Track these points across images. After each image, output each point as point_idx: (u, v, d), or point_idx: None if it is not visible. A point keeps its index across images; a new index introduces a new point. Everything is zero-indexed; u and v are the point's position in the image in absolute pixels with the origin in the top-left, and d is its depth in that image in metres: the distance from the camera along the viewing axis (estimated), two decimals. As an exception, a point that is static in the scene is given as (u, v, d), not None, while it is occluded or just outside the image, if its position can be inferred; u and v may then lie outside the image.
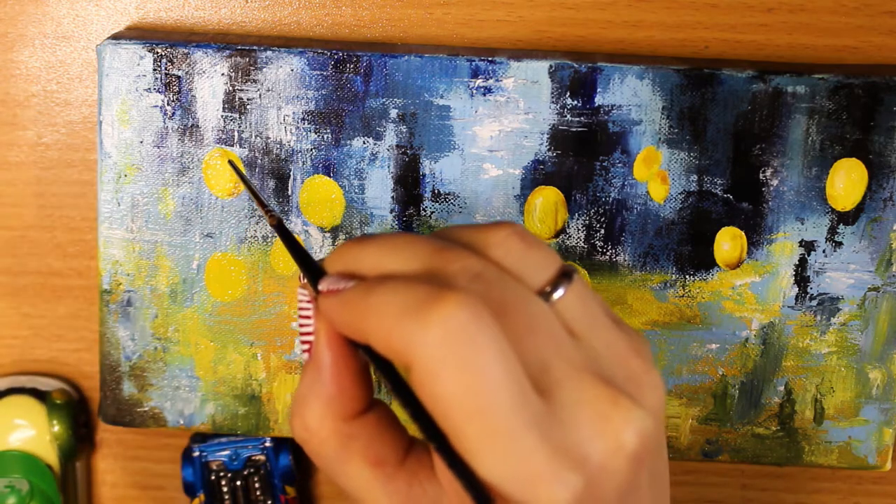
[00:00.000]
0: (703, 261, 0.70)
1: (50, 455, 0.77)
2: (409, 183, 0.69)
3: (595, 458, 0.46)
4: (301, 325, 0.52)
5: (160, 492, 0.82)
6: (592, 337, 0.48)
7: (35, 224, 0.77)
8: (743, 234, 0.70)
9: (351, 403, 0.50)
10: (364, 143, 0.69)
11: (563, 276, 0.49)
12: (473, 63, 0.68)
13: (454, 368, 0.44)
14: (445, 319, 0.44)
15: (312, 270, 0.53)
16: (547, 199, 0.70)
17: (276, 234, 0.69)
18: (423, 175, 0.69)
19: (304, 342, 0.52)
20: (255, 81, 0.68)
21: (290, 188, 0.70)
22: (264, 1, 0.73)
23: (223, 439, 0.76)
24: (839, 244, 0.70)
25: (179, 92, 0.68)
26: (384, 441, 0.51)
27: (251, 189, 0.58)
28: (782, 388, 0.72)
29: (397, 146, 0.69)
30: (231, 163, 0.62)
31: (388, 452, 0.51)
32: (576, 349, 0.47)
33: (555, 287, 0.48)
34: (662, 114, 0.68)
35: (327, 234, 0.70)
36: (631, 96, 0.68)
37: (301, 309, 0.52)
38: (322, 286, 0.51)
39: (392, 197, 0.70)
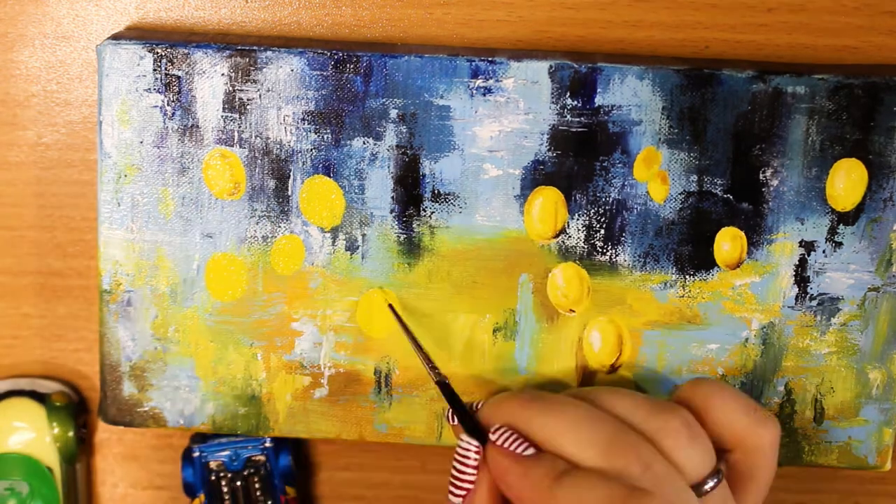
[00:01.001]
0: (703, 261, 0.70)
1: (50, 457, 0.77)
2: (409, 183, 0.70)
3: None
4: (457, 471, 0.56)
5: (161, 492, 0.82)
6: None
7: (35, 224, 0.77)
8: (743, 234, 0.70)
9: None
10: (364, 143, 0.69)
11: (715, 473, 0.56)
12: (473, 63, 0.68)
13: None
14: None
15: (473, 422, 0.59)
16: (547, 199, 0.70)
17: (269, 240, 0.70)
18: (423, 175, 0.69)
19: (456, 486, 0.57)
20: (255, 82, 0.68)
21: (290, 188, 0.70)
22: (264, 1, 0.73)
23: (223, 439, 0.76)
24: (839, 244, 0.70)
25: (179, 92, 0.69)
26: None
27: (416, 344, 0.63)
28: (782, 388, 0.72)
29: (397, 146, 0.69)
30: (391, 308, 0.68)
31: None
32: None
33: (705, 483, 0.56)
34: (662, 114, 0.68)
35: (327, 234, 0.70)
36: (631, 96, 0.68)
37: (461, 456, 0.57)
38: (495, 437, 0.56)
39: (392, 197, 0.70)
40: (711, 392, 0.62)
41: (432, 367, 0.65)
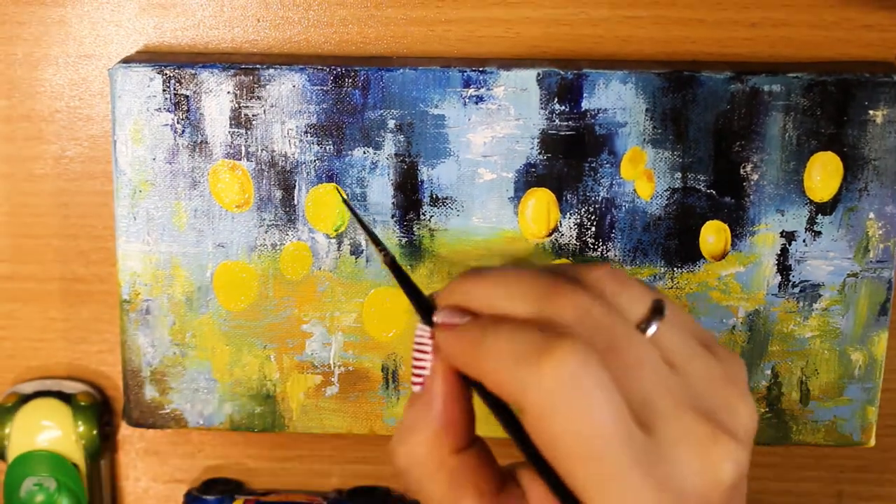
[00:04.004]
0: (689, 254, 0.72)
1: (76, 454, 0.79)
2: (408, 189, 0.71)
3: (695, 491, 0.47)
4: (416, 360, 0.54)
5: (180, 485, 0.84)
6: (688, 367, 0.49)
7: (59, 233, 0.79)
8: (727, 226, 0.72)
9: (459, 437, 0.52)
10: (364, 152, 0.71)
11: (657, 309, 0.50)
12: (465, 73, 0.70)
13: (565, 415, 0.46)
14: (556, 367, 0.46)
15: (425, 306, 0.55)
16: (539, 200, 0.71)
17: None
18: (422, 181, 0.71)
19: (416, 374, 0.54)
20: (259, 98, 0.70)
21: (295, 198, 0.71)
22: (275, 20, 0.74)
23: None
24: (818, 234, 0.72)
25: (188, 110, 0.70)
26: (486, 475, 0.52)
27: (363, 226, 0.61)
28: (769, 371, 0.74)
29: (396, 155, 0.71)
30: (343, 199, 0.68)
31: (489, 486, 0.52)
32: (675, 382, 0.49)
33: (650, 320, 0.50)
34: (646, 115, 0.70)
35: (332, 241, 0.72)
36: (615, 100, 0.70)
37: (418, 343, 0.54)
38: (437, 318, 0.53)
39: (392, 203, 0.72)
40: (610, 275, 0.54)
41: (380, 248, 0.61)
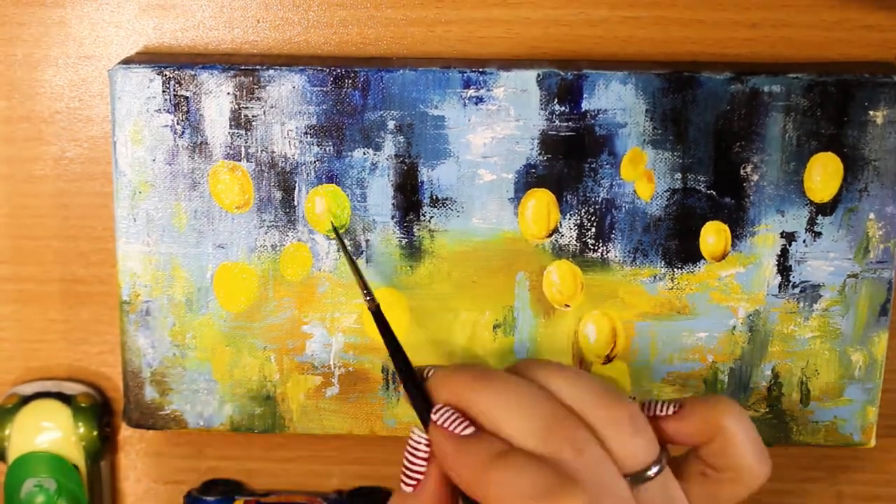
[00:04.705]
0: (689, 254, 0.72)
1: (76, 455, 0.79)
2: (408, 190, 0.71)
3: None
4: (409, 462, 0.57)
5: (181, 486, 0.83)
6: None
7: (59, 234, 0.79)
8: (727, 227, 0.72)
9: None
10: (364, 153, 0.71)
11: (658, 462, 0.56)
12: (465, 74, 0.70)
13: None
14: None
15: (419, 393, 0.58)
16: (539, 200, 0.71)
17: (279, 244, 0.73)
18: (422, 182, 0.71)
19: (408, 476, 0.57)
20: (259, 99, 0.70)
21: (295, 199, 0.71)
22: (274, 21, 0.74)
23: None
24: (818, 234, 0.72)
25: (188, 111, 0.70)
26: None
27: (353, 266, 0.64)
28: (769, 372, 0.74)
29: (396, 156, 0.71)
30: (335, 230, 0.69)
31: None
32: None
33: (648, 470, 0.55)
34: (646, 116, 0.70)
35: (332, 242, 0.72)
36: (615, 101, 0.70)
37: (413, 448, 0.57)
38: (436, 417, 0.56)
39: (393, 204, 0.72)
40: (736, 412, 0.61)
41: (367, 294, 0.65)
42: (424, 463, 0.57)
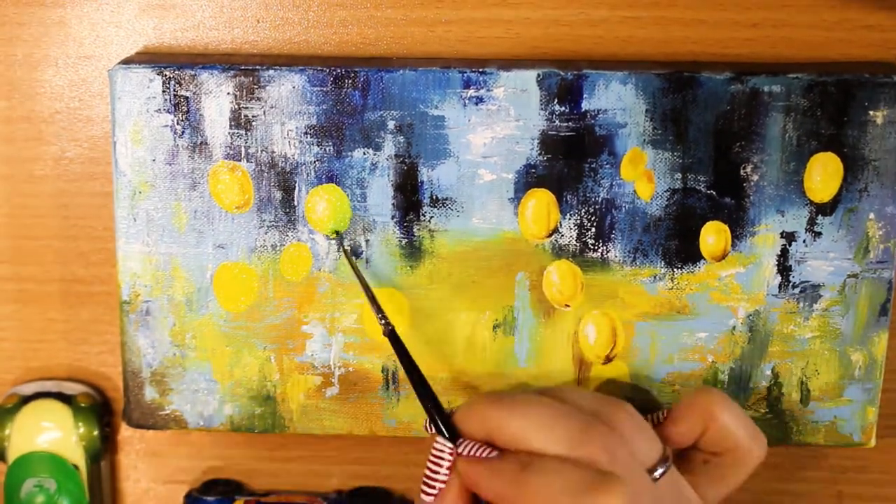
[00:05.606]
0: (689, 254, 0.72)
1: (76, 455, 0.79)
2: (408, 190, 0.71)
3: None
4: (431, 471, 0.58)
5: (181, 486, 0.84)
6: None
7: (59, 234, 0.79)
8: (727, 227, 0.72)
9: None
10: (364, 153, 0.71)
11: (664, 460, 0.59)
12: (465, 74, 0.70)
13: None
14: (611, 501, 0.53)
15: (442, 418, 0.60)
16: (539, 200, 0.71)
17: (280, 244, 0.72)
18: (422, 182, 0.71)
19: (428, 485, 0.58)
20: (259, 99, 0.70)
21: (295, 199, 0.71)
22: (274, 21, 0.74)
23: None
24: (818, 234, 0.72)
25: (188, 111, 0.70)
26: None
27: (365, 288, 0.65)
28: (769, 372, 0.74)
29: (396, 155, 0.71)
30: (344, 251, 0.70)
31: None
32: None
33: (655, 469, 0.59)
34: (646, 116, 0.70)
35: (332, 241, 0.72)
36: (615, 101, 0.70)
37: (436, 456, 0.58)
38: (462, 450, 0.57)
39: (392, 204, 0.72)
40: (720, 399, 0.65)
41: (381, 318, 0.66)
42: (447, 473, 0.58)
